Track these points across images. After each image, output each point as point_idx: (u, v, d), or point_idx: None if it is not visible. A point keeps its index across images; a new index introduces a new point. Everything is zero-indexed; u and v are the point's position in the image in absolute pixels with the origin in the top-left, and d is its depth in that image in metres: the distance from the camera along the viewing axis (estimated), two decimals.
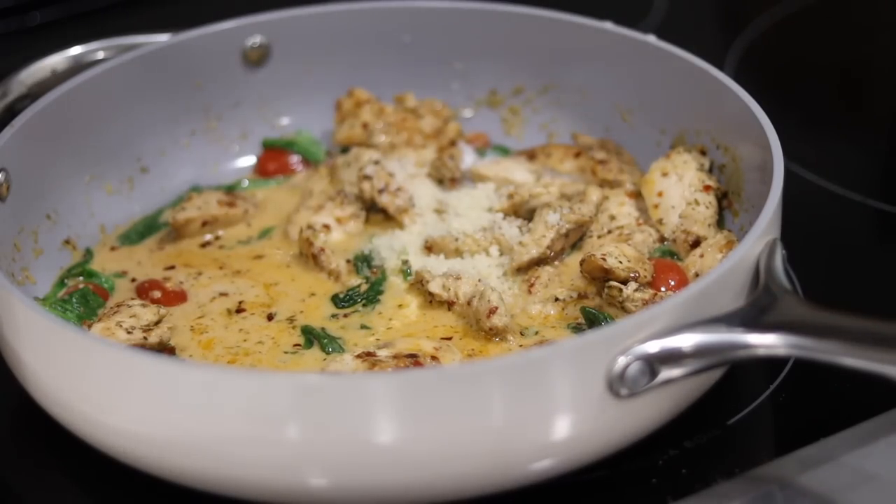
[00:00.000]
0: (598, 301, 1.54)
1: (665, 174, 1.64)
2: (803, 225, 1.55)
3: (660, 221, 1.62)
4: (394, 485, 1.27)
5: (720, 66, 1.64)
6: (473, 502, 1.30)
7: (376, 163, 1.70)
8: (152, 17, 2.16)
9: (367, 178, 1.68)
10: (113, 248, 1.69)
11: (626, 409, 1.29)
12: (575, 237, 1.62)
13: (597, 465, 1.33)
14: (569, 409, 1.27)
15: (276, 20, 1.81)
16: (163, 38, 1.76)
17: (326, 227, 1.68)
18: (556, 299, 1.54)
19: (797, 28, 2.17)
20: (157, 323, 1.50)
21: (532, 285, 1.56)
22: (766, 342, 1.26)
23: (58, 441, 1.40)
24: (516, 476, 1.30)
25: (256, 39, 1.80)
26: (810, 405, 1.45)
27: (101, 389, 1.31)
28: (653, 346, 1.27)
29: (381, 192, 1.68)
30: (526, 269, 1.59)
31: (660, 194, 1.63)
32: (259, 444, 1.25)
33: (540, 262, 1.59)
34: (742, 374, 1.47)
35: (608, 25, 1.74)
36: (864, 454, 1.36)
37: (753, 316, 1.29)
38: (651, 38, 1.70)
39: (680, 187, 1.62)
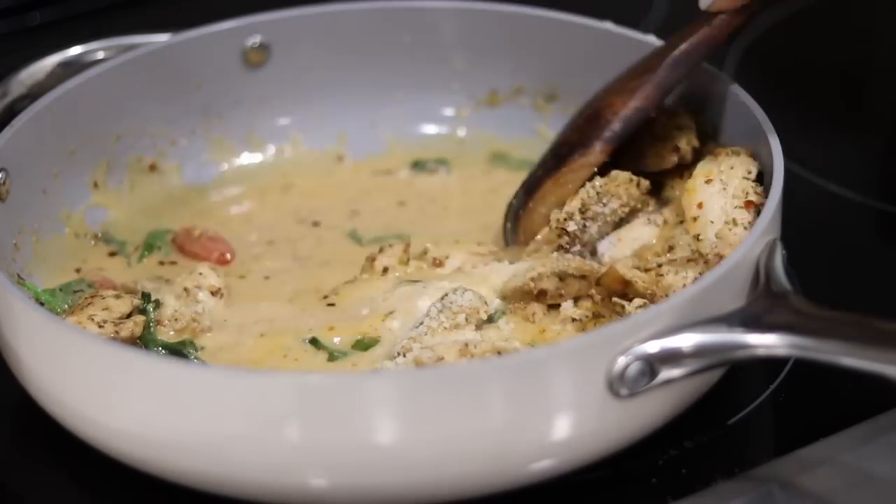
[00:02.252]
0: (614, 317, 1.48)
1: (709, 181, 1.52)
2: (803, 225, 1.54)
3: (697, 237, 1.51)
4: (394, 485, 1.27)
5: (720, 66, 1.63)
6: (473, 502, 1.30)
7: None
8: (152, 17, 2.16)
9: None
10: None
11: (626, 409, 1.29)
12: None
13: (597, 465, 1.33)
14: (569, 409, 1.27)
15: (276, 20, 1.80)
16: (163, 38, 1.76)
17: None
18: (574, 320, 1.48)
19: (797, 28, 2.16)
20: (129, 315, 1.48)
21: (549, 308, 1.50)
22: (766, 342, 1.26)
23: (58, 441, 1.39)
24: (516, 476, 1.30)
25: (256, 39, 1.80)
26: (810, 405, 1.45)
27: (102, 389, 1.31)
28: (653, 347, 1.27)
29: None
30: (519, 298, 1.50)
31: (700, 205, 1.51)
32: (259, 444, 1.25)
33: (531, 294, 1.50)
34: (742, 374, 1.46)
35: (608, 25, 1.74)
36: (864, 454, 1.36)
37: (753, 316, 1.29)
38: (651, 38, 1.70)
39: (722, 198, 1.50)
